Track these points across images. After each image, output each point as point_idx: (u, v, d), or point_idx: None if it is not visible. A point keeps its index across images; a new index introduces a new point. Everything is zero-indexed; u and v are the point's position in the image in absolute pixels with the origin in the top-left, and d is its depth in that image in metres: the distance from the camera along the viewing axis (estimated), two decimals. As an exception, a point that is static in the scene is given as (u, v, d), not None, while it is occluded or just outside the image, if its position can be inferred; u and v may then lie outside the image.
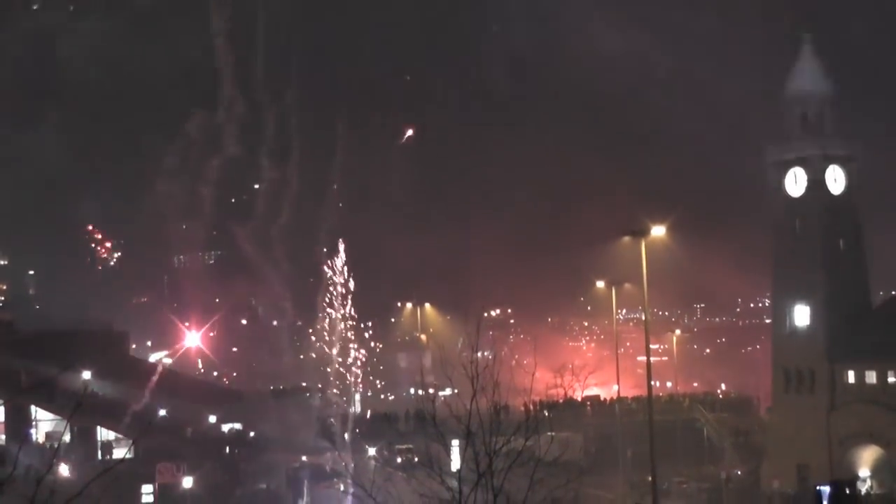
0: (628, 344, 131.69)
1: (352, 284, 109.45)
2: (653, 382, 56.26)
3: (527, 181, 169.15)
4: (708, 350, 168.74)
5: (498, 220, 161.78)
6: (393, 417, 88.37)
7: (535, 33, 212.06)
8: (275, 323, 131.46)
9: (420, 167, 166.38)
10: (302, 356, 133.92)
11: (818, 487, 25.27)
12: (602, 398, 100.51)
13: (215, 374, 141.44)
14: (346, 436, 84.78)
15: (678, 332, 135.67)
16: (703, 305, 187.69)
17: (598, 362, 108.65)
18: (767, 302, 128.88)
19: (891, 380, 77.29)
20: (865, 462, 78.10)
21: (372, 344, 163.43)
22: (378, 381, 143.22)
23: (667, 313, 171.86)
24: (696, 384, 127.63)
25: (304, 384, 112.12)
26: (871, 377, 78.31)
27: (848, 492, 21.09)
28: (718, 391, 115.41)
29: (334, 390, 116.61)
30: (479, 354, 24.84)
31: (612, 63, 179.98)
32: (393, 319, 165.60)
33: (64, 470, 73.27)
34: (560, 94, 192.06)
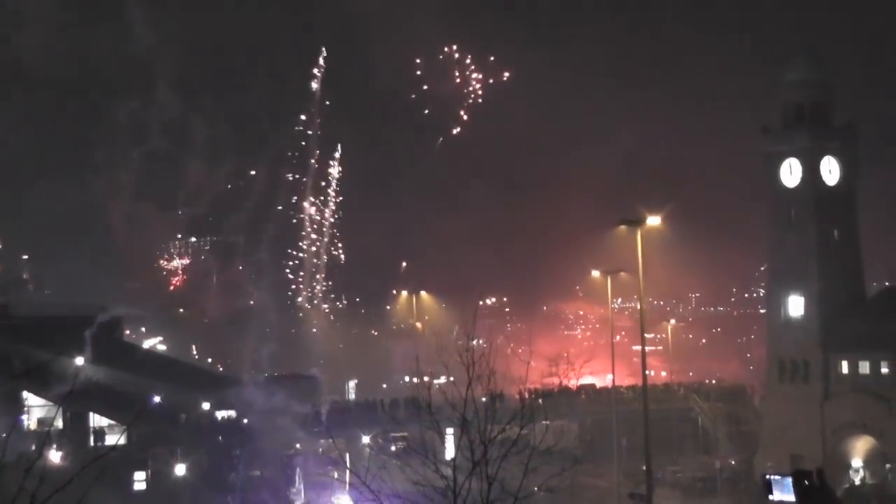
0: (623, 333, 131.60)
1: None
2: (647, 372, 56.21)
3: (523, 169, 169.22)
4: (703, 340, 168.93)
5: (494, 209, 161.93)
6: (388, 405, 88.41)
7: (531, 17, 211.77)
8: (270, 308, 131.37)
9: (414, 156, 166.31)
10: (297, 342, 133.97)
11: (767, 476, 25.00)
12: (597, 387, 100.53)
13: (209, 360, 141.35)
14: (341, 423, 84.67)
15: (673, 321, 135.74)
16: (698, 295, 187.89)
17: (593, 351, 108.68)
18: (762, 292, 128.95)
19: (884, 370, 77.43)
20: (858, 452, 78.26)
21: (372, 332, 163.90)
22: (373, 368, 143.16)
23: (661, 303, 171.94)
24: (690, 373, 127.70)
25: (298, 371, 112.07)
26: (865, 367, 78.48)
27: (808, 483, 20.67)
28: (713, 380, 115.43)
29: (329, 377, 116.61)
30: (475, 342, 24.74)
31: (604, 48, 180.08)
32: (388, 307, 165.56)
33: (56, 457, 73.17)
34: (555, 82, 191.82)
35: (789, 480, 23.16)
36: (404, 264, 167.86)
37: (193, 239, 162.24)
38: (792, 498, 22.32)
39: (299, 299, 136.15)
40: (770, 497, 23.18)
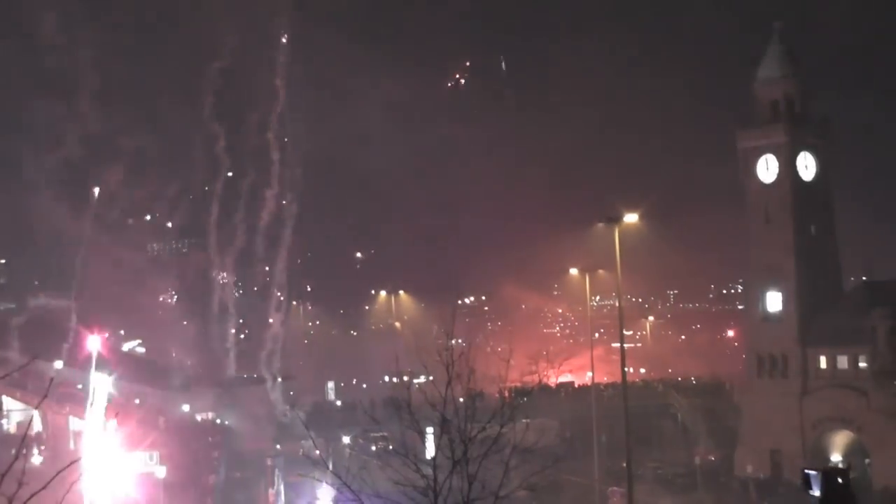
0: (602, 330, 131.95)
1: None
2: (627, 369, 56.31)
3: (501, 169, 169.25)
4: (683, 336, 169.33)
5: (472, 209, 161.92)
6: (368, 405, 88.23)
7: (516, 20, 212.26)
8: (249, 309, 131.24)
9: (393, 155, 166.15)
10: (276, 344, 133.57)
11: (806, 471, 25.24)
12: (576, 385, 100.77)
13: (189, 362, 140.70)
14: (321, 424, 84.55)
15: (652, 318, 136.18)
16: (676, 292, 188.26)
17: (572, 349, 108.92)
18: (740, 288, 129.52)
19: (862, 364, 77.78)
20: (838, 446, 78.67)
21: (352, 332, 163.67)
22: (352, 369, 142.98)
23: (640, 300, 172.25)
24: (670, 370, 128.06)
25: (278, 372, 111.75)
26: (843, 362, 78.86)
27: (840, 481, 21.13)
28: (692, 377, 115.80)
29: (308, 378, 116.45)
30: (454, 342, 24.75)
31: (579, 49, 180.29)
32: (367, 307, 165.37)
33: (37, 460, 72.89)
34: (532, 82, 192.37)
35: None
36: (358, 255, 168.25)
37: (173, 243, 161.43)
38: None
39: (279, 297, 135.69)
40: (811, 492, 23.29)
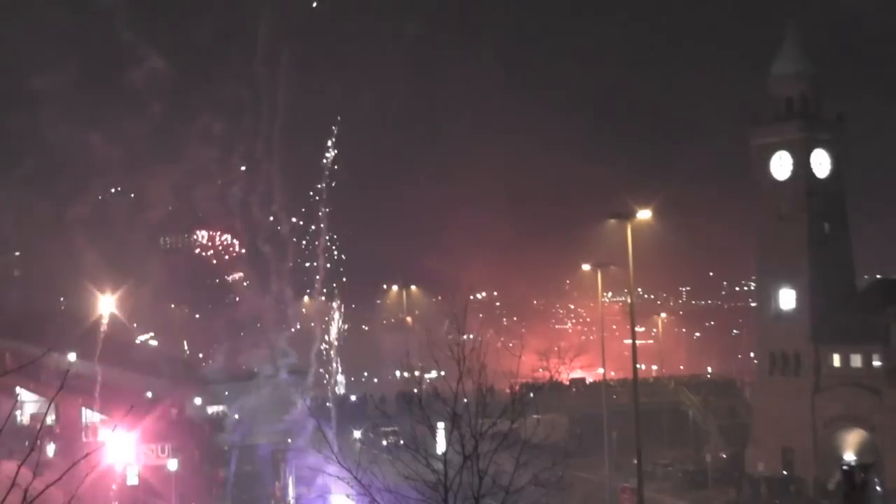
0: (614, 327, 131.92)
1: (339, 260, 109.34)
2: (638, 365, 56.26)
3: (514, 164, 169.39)
4: (698, 334, 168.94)
5: (484, 204, 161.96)
6: (378, 399, 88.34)
7: (525, 17, 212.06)
8: (261, 302, 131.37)
9: (405, 149, 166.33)
10: (287, 337, 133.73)
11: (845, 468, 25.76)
12: (587, 381, 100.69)
13: (201, 355, 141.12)
14: (331, 418, 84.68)
15: (664, 315, 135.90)
16: (688, 288, 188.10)
17: (583, 345, 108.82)
18: (753, 285, 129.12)
19: (875, 363, 77.54)
20: (850, 445, 78.43)
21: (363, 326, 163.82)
22: (363, 363, 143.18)
23: (652, 296, 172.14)
24: (681, 367, 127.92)
25: (289, 365, 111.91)
26: (857, 360, 78.59)
27: (862, 477, 21.65)
28: (704, 374, 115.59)
29: (320, 370, 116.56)
30: (466, 337, 24.79)
31: (596, 45, 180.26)
32: (378, 301, 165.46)
33: (50, 451, 73.12)
34: (546, 78, 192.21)
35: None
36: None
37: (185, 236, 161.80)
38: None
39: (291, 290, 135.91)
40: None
